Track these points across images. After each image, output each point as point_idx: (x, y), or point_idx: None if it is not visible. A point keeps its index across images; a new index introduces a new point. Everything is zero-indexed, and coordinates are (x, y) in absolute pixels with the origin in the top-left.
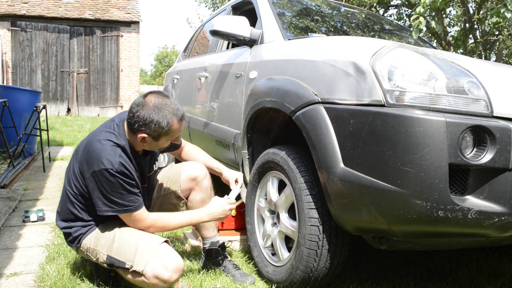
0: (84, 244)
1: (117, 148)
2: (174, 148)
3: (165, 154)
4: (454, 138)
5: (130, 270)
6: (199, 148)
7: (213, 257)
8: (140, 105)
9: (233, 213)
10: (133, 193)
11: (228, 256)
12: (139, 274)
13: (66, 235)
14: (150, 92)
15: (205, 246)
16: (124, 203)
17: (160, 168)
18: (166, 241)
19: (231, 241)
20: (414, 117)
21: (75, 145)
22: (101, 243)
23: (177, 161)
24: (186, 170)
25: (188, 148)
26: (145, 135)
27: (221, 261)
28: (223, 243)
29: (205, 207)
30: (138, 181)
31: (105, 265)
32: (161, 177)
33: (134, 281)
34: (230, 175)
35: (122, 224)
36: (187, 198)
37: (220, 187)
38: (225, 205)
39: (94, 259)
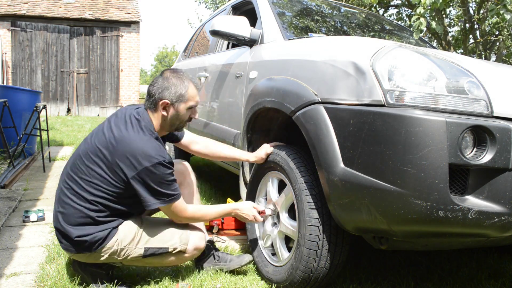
0: (109, 248)
1: (156, 140)
2: (177, 138)
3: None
4: (454, 138)
5: (173, 252)
6: (212, 140)
7: (207, 254)
8: (159, 77)
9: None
10: (176, 181)
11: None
12: (182, 252)
13: (80, 243)
14: (165, 69)
15: None
16: (171, 193)
17: None
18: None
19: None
20: (414, 117)
21: (75, 145)
22: (132, 241)
23: (179, 155)
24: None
25: (202, 140)
26: (166, 101)
27: (214, 256)
28: (210, 239)
29: (235, 204)
30: None
31: (141, 257)
32: None
33: (170, 261)
34: (259, 153)
35: (142, 219)
36: None
37: (221, 187)
38: (253, 210)
39: (120, 258)
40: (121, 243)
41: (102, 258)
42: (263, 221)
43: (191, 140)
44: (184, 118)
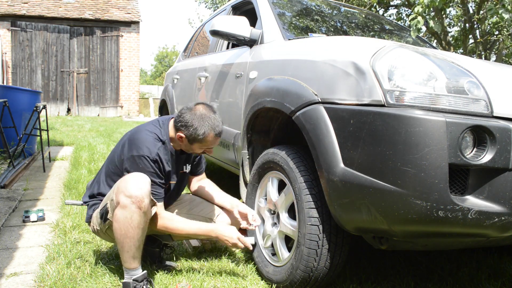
0: (93, 216)
1: (158, 142)
2: (196, 170)
3: None
4: (454, 138)
5: (119, 206)
6: (215, 187)
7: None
8: (189, 110)
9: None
10: (159, 185)
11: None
12: (126, 205)
13: (89, 207)
14: (202, 103)
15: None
16: None
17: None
18: None
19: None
20: (414, 117)
21: (75, 145)
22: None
23: None
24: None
25: (206, 184)
26: (182, 135)
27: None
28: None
29: (217, 225)
30: (168, 175)
31: (102, 223)
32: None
33: (118, 220)
34: (244, 211)
35: None
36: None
37: (221, 187)
38: (235, 237)
39: (98, 227)
40: (94, 215)
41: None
42: (263, 222)
43: (198, 183)
44: (196, 152)
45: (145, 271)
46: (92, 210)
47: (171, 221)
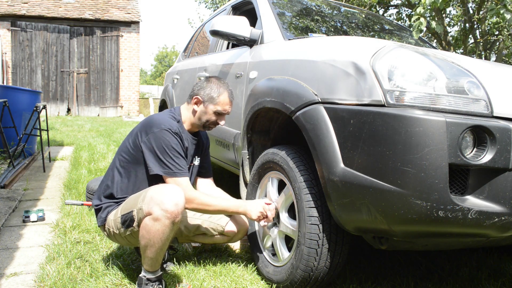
0: (109, 219)
1: (174, 120)
2: (203, 163)
3: None
4: (454, 138)
5: (150, 216)
6: (225, 194)
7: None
8: (204, 80)
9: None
10: (183, 158)
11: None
12: (157, 217)
13: (97, 211)
14: (214, 76)
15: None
16: (173, 166)
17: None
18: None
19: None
20: (414, 117)
21: (75, 145)
22: (115, 214)
23: None
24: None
25: (215, 191)
26: (198, 97)
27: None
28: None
29: (244, 201)
30: (186, 154)
31: (123, 228)
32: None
33: (156, 231)
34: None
35: None
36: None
37: (221, 187)
38: (261, 207)
39: (117, 231)
40: (114, 214)
41: (108, 232)
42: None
43: (206, 188)
44: (210, 118)
45: (161, 272)
46: (106, 212)
47: (202, 197)
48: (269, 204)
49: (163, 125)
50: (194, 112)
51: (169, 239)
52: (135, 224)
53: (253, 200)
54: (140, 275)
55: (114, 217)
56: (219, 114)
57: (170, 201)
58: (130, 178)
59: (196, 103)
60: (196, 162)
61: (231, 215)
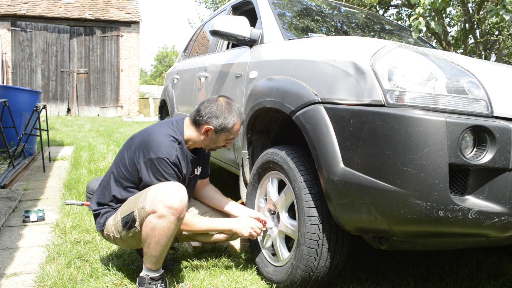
0: (108, 224)
1: (175, 143)
2: (204, 172)
3: None
4: (454, 138)
5: (153, 215)
6: (219, 192)
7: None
8: (213, 102)
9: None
10: (179, 178)
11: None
12: (162, 215)
13: (95, 216)
14: (221, 95)
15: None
16: None
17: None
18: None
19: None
20: (414, 117)
21: (75, 145)
22: (115, 217)
23: None
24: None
25: (210, 190)
26: (210, 127)
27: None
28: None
29: (232, 219)
30: (184, 178)
31: (125, 231)
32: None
33: (154, 228)
34: (254, 215)
35: None
36: None
37: (221, 187)
38: (251, 223)
39: (118, 235)
40: (114, 219)
41: (108, 236)
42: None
43: (201, 188)
44: (220, 144)
45: (163, 271)
46: (104, 218)
47: (190, 218)
48: (257, 218)
49: (161, 153)
50: (202, 138)
51: (173, 236)
52: (137, 224)
53: (240, 218)
54: (142, 274)
55: (113, 222)
56: (229, 139)
57: (174, 197)
58: (126, 189)
59: (206, 132)
60: (198, 171)
61: (230, 213)
